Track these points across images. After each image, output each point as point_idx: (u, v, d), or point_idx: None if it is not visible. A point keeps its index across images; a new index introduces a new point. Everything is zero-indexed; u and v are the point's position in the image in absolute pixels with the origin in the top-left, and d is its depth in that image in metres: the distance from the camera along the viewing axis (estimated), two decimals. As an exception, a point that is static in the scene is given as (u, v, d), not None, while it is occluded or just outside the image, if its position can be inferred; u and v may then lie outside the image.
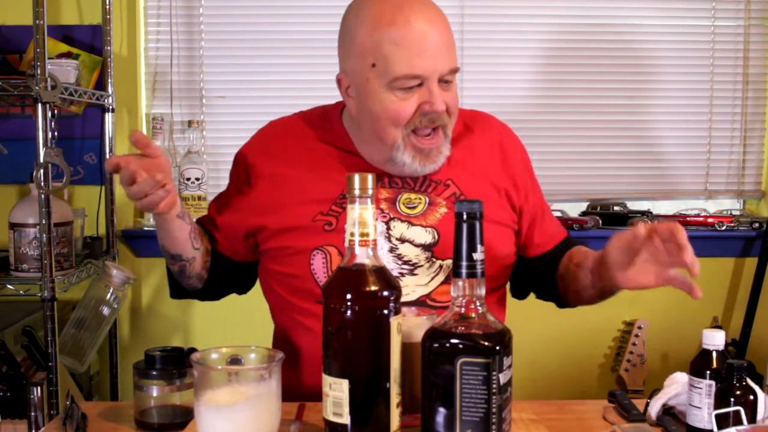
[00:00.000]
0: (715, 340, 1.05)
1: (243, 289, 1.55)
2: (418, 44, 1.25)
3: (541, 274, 1.47)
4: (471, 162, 1.41)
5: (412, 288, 1.32)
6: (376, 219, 1.31)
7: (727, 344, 2.40)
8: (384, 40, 1.26)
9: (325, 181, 1.36)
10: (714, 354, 1.05)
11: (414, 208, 1.36)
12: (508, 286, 1.50)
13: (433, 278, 1.33)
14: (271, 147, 1.43)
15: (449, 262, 1.30)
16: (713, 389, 1.02)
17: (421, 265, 1.33)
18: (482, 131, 1.46)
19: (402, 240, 1.34)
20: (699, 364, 1.05)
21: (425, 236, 1.34)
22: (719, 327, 2.45)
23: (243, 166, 1.45)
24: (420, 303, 1.31)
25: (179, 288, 1.50)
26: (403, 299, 1.27)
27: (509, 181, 1.42)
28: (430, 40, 1.26)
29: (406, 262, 1.33)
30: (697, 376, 1.05)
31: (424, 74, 1.26)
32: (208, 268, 1.45)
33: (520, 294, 1.55)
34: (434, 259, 1.33)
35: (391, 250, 1.33)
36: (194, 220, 1.44)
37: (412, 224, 1.34)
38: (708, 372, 1.04)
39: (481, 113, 1.51)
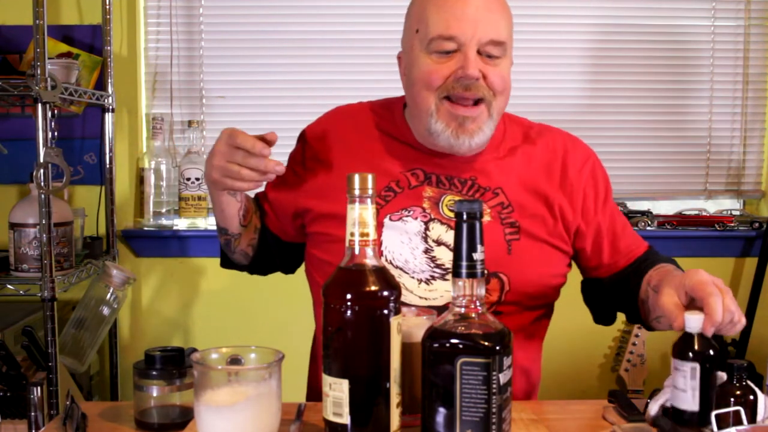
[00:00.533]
0: (696, 323, 1.05)
1: (289, 269, 1.55)
2: (459, 6, 1.25)
3: (619, 294, 1.39)
4: (526, 174, 1.36)
5: (440, 293, 1.30)
6: (416, 218, 1.32)
7: (727, 344, 2.41)
8: (428, 4, 1.29)
9: (376, 171, 1.35)
10: (696, 337, 1.04)
11: None
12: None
13: None
14: (331, 132, 1.42)
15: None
16: (697, 372, 1.02)
17: None
18: (545, 144, 1.41)
19: (438, 242, 1.31)
20: (681, 347, 1.05)
21: None
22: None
23: (301, 146, 1.45)
24: (445, 309, 1.30)
25: (228, 258, 1.52)
26: (428, 303, 1.29)
27: (565, 199, 1.36)
28: (472, 5, 1.25)
29: (438, 266, 1.31)
30: (679, 359, 1.05)
31: (459, 36, 1.25)
32: (255, 246, 1.46)
33: (603, 320, 1.48)
34: None
35: (426, 251, 1.31)
36: (254, 194, 1.48)
37: (451, 228, 1.31)
38: (690, 354, 1.03)
39: (548, 127, 1.47)
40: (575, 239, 1.38)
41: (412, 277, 1.30)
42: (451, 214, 1.32)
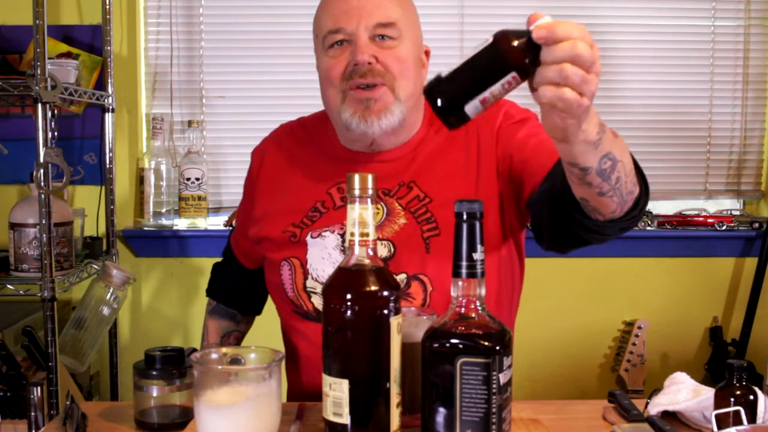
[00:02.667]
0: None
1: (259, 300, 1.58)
2: (341, 1, 1.29)
3: (550, 207, 1.20)
4: (446, 155, 1.34)
5: None
6: (333, 231, 1.32)
7: (726, 344, 2.41)
8: (320, 9, 1.34)
9: (302, 191, 1.37)
10: None
11: None
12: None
13: None
14: (268, 155, 1.45)
15: (403, 276, 1.28)
16: None
17: None
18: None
19: None
20: None
21: (380, 250, 1.30)
22: (719, 327, 2.45)
23: (248, 176, 1.50)
24: None
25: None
26: None
27: (484, 166, 1.32)
28: None
29: None
30: None
31: (345, 26, 1.27)
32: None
33: (555, 245, 1.26)
34: None
35: None
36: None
37: None
38: None
39: None
40: (506, 200, 1.31)
41: None
42: None
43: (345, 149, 1.38)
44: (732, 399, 1.02)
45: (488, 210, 1.20)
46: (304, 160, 1.41)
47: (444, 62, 2.72)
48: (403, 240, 1.30)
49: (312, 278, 1.32)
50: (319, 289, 1.31)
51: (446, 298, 1.29)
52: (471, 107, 0.89)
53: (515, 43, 0.89)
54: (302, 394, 1.36)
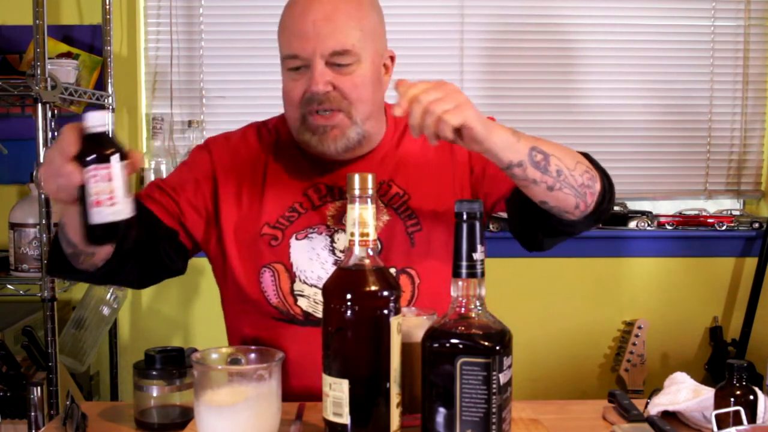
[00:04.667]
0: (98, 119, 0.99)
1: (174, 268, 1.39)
2: (298, 24, 1.27)
3: (524, 212, 1.30)
4: (419, 153, 1.36)
5: None
6: (321, 233, 1.31)
7: (726, 344, 2.41)
8: (279, 26, 1.32)
9: (280, 192, 1.35)
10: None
11: None
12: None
13: None
14: (236, 159, 1.38)
15: (392, 270, 1.28)
16: None
17: None
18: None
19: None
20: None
21: None
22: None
23: (208, 158, 1.38)
24: None
25: (61, 262, 1.24)
26: None
27: (457, 164, 1.36)
28: (309, 21, 1.25)
29: None
30: None
31: (300, 54, 1.26)
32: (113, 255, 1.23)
33: (532, 245, 1.36)
34: None
35: (336, 263, 1.30)
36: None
37: None
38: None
39: None
40: (477, 187, 1.36)
41: None
42: None
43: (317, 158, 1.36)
44: (732, 399, 1.02)
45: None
46: (275, 161, 1.38)
47: (444, 62, 2.72)
48: (389, 236, 1.31)
49: (300, 281, 1.31)
50: (307, 291, 1.30)
51: (433, 290, 1.30)
52: None
53: None
54: (293, 399, 1.35)
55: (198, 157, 1.40)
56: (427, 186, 1.35)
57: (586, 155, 1.28)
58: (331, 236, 1.32)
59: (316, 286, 1.30)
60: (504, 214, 1.39)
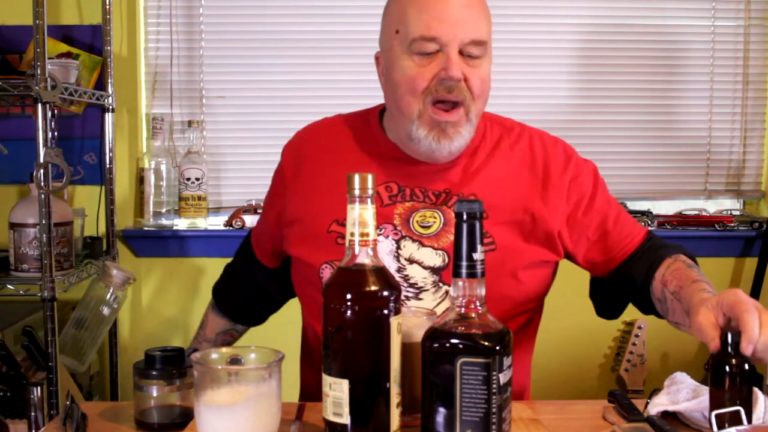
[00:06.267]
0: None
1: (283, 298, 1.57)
2: (440, 7, 1.23)
3: (624, 288, 1.36)
4: (504, 179, 1.32)
5: None
6: (387, 236, 1.29)
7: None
8: (408, 5, 1.26)
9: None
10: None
11: (428, 227, 1.29)
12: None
13: (438, 304, 1.26)
14: (306, 154, 1.40)
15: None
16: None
17: (427, 290, 1.27)
18: (525, 147, 1.36)
19: (411, 261, 1.28)
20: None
21: (435, 259, 1.27)
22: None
23: (282, 164, 1.44)
24: None
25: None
26: None
27: (547, 204, 1.32)
28: (453, 4, 1.23)
29: (411, 285, 1.27)
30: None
31: (441, 37, 1.22)
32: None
33: (607, 314, 1.45)
34: (441, 284, 1.27)
35: (399, 270, 1.28)
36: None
37: (423, 245, 1.28)
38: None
39: (528, 128, 1.41)
40: (561, 243, 1.34)
41: None
42: (422, 230, 1.29)
43: (396, 149, 1.34)
44: (727, 367, 1.00)
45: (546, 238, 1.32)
46: (348, 156, 1.36)
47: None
48: None
49: None
50: None
51: (494, 312, 1.29)
52: None
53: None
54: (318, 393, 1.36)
55: (274, 181, 1.46)
56: (507, 213, 1.30)
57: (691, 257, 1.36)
58: (398, 242, 1.29)
59: None
60: None
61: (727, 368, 0.99)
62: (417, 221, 1.30)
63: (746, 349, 0.97)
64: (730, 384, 0.99)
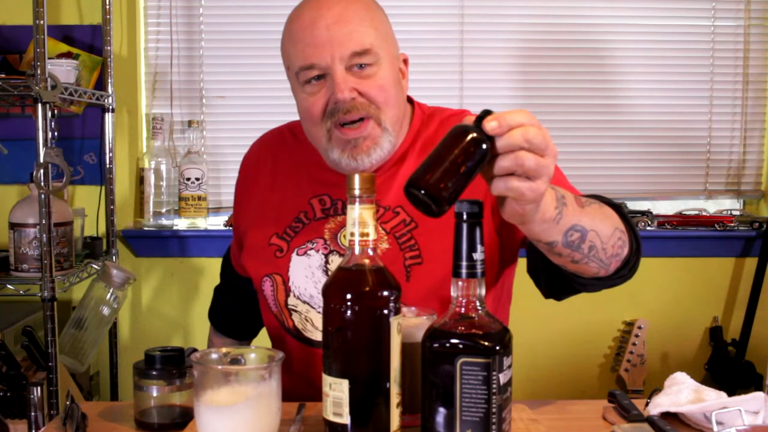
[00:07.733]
0: None
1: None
2: (309, 32, 1.21)
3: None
4: None
5: None
6: (318, 250, 1.30)
7: (726, 344, 2.41)
8: (286, 41, 1.26)
9: (288, 202, 1.34)
10: None
11: None
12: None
13: None
14: (252, 166, 1.43)
15: None
16: None
17: None
18: (437, 133, 1.30)
19: None
20: None
21: None
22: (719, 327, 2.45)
23: (236, 187, 1.47)
24: None
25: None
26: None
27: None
28: (321, 26, 1.20)
29: None
30: None
31: (318, 62, 1.20)
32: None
33: (552, 293, 1.30)
34: None
35: None
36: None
37: None
38: None
39: (442, 110, 1.34)
40: (501, 232, 1.27)
41: (318, 312, 1.28)
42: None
43: (328, 167, 1.32)
44: (463, 132, 0.85)
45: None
46: (290, 167, 1.37)
47: (444, 62, 2.71)
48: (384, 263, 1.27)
49: (294, 296, 1.30)
50: (300, 307, 1.31)
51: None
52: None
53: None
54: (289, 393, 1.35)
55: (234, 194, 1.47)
56: (439, 220, 1.27)
57: (617, 206, 1.16)
58: (326, 256, 1.29)
59: (308, 304, 1.29)
60: None
61: (464, 133, 0.86)
62: (344, 236, 1.28)
63: (488, 123, 0.85)
64: (458, 149, 0.85)
